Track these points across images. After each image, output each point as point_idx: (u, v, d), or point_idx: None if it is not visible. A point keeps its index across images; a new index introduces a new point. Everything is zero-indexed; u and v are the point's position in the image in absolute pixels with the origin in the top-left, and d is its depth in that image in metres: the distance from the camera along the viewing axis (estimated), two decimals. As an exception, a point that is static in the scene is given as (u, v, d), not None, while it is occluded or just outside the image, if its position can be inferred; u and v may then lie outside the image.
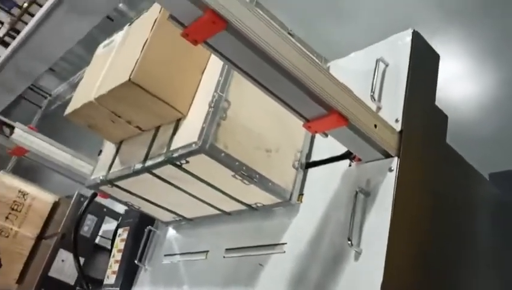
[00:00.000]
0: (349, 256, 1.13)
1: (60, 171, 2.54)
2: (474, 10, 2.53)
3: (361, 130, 1.12)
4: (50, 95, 8.93)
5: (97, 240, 2.81)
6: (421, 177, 1.26)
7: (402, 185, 1.15)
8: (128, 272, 1.85)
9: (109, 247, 2.11)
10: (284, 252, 1.33)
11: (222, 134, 1.27)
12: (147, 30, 1.39)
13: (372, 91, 1.29)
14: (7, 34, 9.69)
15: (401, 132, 1.22)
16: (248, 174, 1.30)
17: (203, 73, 1.43)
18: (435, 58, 1.39)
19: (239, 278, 1.41)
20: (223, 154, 1.26)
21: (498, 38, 2.39)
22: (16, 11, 9.33)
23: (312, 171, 1.42)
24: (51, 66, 1.36)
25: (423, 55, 1.35)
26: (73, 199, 2.70)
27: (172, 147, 1.34)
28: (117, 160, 1.59)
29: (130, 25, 1.60)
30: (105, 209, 2.79)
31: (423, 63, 1.35)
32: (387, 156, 1.20)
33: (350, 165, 1.30)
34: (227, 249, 1.51)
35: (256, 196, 1.38)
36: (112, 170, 1.58)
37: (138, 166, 1.43)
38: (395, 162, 1.18)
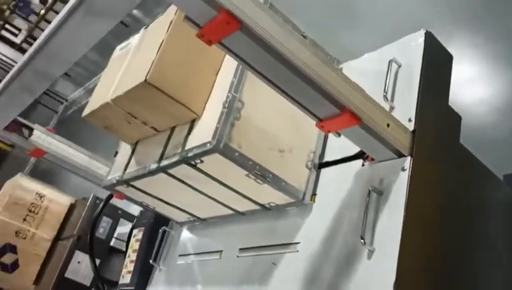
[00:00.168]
0: (362, 255, 1.14)
1: (77, 172, 2.58)
2: (486, 13, 2.52)
3: (374, 129, 1.13)
4: (66, 100, 9.07)
5: (112, 243, 2.83)
6: (434, 176, 1.26)
7: (415, 184, 1.16)
8: (143, 272, 1.87)
9: (124, 249, 2.14)
10: (297, 251, 1.34)
11: (236, 134, 1.28)
12: (163, 32, 1.42)
13: (385, 91, 1.30)
14: (24, 40, 9.87)
15: (414, 131, 1.22)
16: (261, 174, 1.31)
17: (217, 74, 1.45)
18: (448, 58, 1.39)
19: (253, 277, 1.42)
20: (236, 153, 1.28)
21: (511, 40, 2.38)
22: (33, 18, 9.50)
23: (325, 172, 1.43)
24: (70, 67, 1.39)
25: (436, 55, 1.36)
26: (89, 201, 2.73)
27: (187, 147, 1.36)
28: (133, 160, 1.62)
29: (146, 28, 1.63)
30: (120, 212, 2.81)
31: (436, 64, 1.35)
32: (400, 155, 1.21)
33: (363, 165, 1.30)
34: (241, 249, 1.53)
35: (270, 195, 1.39)
36: (127, 170, 1.61)
37: (153, 166, 1.46)
38: (408, 162, 1.19)
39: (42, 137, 2.33)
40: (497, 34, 2.46)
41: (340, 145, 1.38)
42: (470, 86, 2.44)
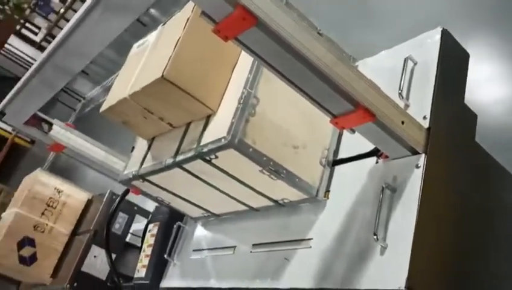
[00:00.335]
0: (375, 251, 1.14)
1: (94, 167, 2.62)
2: (503, 12, 2.49)
3: (388, 126, 1.13)
4: (84, 98, 9.20)
5: (128, 238, 2.87)
6: (448, 174, 1.26)
7: (429, 181, 1.15)
8: (158, 266, 1.90)
9: (139, 245, 2.16)
10: (310, 247, 1.34)
11: (250, 130, 1.30)
12: (180, 29, 1.44)
13: (400, 89, 1.30)
14: (44, 39, 10.04)
15: (429, 128, 1.22)
16: (275, 170, 1.32)
17: (233, 70, 1.46)
18: (465, 56, 1.38)
19: (266, 272, 1.43)
20: (251, 149, 1.29)
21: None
22: (52, 16, 9.66)
23: (339, 169, 1.43)
24: (88, 62, 1.43)
25: (452, 53, 1.35)
26: (106, 196, 2.77)
27: (203, 142, 1.38)
28: (149, 155, 1.64)
29: (163, 25, 1.65)
30: (135, 208, 2.84)
31: (452, 61, 1.35)
32: (415, 153, 1.20)
33: (377, 162, 1.31)
34: (254, 245, 1.54)
35: (283, 191, 1.40)
36: (143, 165, 1.63)
37: (169, 161, 1.48)
38: (422, 159, 1.18)
39: (61, 132, 2.38)
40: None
41: (354, 143, 1.38)
42: (486, 86, 2.41)
